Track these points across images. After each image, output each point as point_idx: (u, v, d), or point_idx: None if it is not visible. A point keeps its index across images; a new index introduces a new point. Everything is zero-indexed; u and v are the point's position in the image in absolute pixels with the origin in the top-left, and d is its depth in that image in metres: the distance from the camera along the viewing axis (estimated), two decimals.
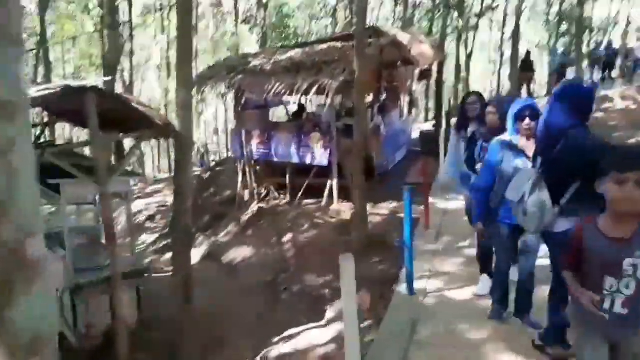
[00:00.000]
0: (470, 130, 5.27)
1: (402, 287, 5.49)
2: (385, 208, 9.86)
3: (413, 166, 12.68)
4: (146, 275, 8.35)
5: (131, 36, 25.34)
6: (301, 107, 14.10)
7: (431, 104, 28.60)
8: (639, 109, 13.95)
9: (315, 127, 11.64)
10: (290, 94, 9.68)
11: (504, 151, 4.02)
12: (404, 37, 11.74)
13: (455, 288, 5.34)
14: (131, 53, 25.01)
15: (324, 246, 8.52)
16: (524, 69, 17.59)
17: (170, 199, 15.28)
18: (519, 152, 3.95)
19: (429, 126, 17.56)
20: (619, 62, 19.38)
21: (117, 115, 7.40)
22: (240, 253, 9.77)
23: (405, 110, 14.35)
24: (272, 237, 9.67)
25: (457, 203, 7.77)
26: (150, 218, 16.29)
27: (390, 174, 12.15)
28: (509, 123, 4.03)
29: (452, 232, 7.24)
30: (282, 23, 25.38)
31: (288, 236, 9.40)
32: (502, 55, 30.66)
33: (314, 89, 9.50)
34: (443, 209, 8.54)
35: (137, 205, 16.93)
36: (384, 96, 12.55)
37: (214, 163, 16.44)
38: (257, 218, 10.50)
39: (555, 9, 31.54)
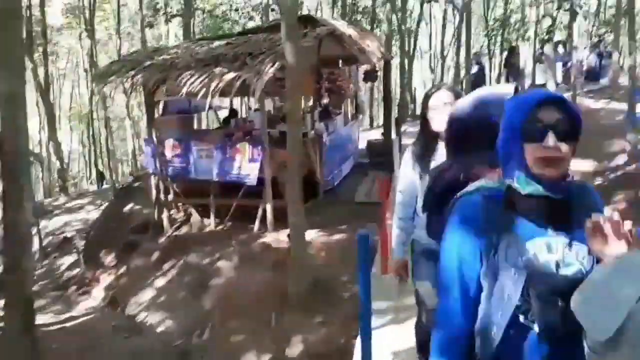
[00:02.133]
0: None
1: None
2: (333, 235, 7.97)
3: (363, 182, 10.91)
4: None
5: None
6: (233, 112, 12.05)
7: (375, 110, 27.28)
8: None
9: (245, 135, 9.65)
10: (206, 95, 7.62)
11: None
12: (345, 29, 9.94)
13: None
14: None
15: (254, 294, 6.52)
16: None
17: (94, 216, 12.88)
18: None
19: (376, 134, 15.91)
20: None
21: None
22: (146, 299, 7.62)
23: (350, 116, 12.58)
24: (189, 278, 7.58)
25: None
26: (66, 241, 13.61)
27: (337, 192, 10.29)
28: None
29: None
30: (215, 25, 23.19)
31: (209, 277, 7.34)
32: (443, 60, 29.60)
33: (236, 87, 7.51)
34: None
35: (54, 224, 14.34)
36: (325, 99, 10.68)
37: (131, 178, 14.02)
38: (172, 250, 8.37)
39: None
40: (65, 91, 31.38)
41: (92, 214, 13.57)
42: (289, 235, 7.33)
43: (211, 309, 6.75)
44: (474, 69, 15.26)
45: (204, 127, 13.89)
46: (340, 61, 11.33)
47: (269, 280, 6.79)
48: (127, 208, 10.80)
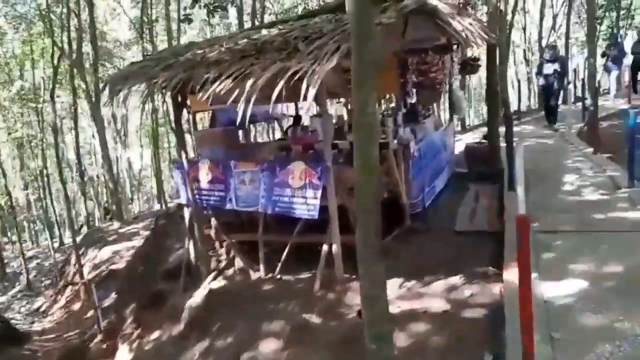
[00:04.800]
0: None
1: None
2: (425, 295, 5.41)
3: (464, 201, 8.27)
4: None
5: None
6: (296, 120, 9.78)
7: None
8: None
9: (306, 150, 7.34)
10: (237, 98, 5.30)
11: None
12: (439, 4, 7.33)
13: None
14: None
15: None
16: None
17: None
18: None
19: (473, 137, 13.09)
20: None
21: None
22: None
23: (445, 116, 9.89)
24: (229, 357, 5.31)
25: None
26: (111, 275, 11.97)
27: (428, 216, 7.74)
28: None
29: None
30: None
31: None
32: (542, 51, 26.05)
33: (281, 83, 5.13)
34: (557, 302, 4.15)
35: (104, 254, 12.84)
36: (412, 97, 8.08)
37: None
38: (208, 309, 6.16)
39: None
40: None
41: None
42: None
43: None
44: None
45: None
46: (434, 47, 8.73)
47: None
48: (167, 242, 8.80)
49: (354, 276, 5.72)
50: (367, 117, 4.17)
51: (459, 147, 11.02)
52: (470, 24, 7.28)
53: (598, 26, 23.67)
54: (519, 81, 23.50)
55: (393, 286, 5.65)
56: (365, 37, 4.03)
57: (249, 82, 5.30)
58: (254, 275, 6.64)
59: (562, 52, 16.50)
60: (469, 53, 9.93)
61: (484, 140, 10.32)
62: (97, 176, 23.35)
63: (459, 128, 17.59)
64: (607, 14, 23.38)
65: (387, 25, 5.84)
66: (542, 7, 25.74)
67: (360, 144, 4.17)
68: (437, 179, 8.84)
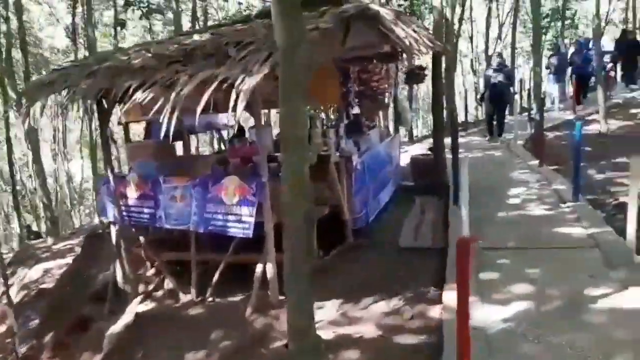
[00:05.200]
0: None
1: None
2: (365, 317, 5.08)
3: (409, 215, 8.05)
4: None
5: None
6: (239, 132, 9.35)
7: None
8: None
9: (246, 163, 6.94)
10: (160, 109, 4.88)
11: None
12: (382, 10, 7.07)
13: None
14: None
15: None
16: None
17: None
18: None
19: (421, 148, 12.98)
20: None
21: None
22: None
23: (389, 127, 9.68)
24: None
25: None
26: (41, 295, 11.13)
27: (372, 232, 7.47)
28: None
29: None
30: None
31: None
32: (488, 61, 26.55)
33: (209, 91, 4.73)
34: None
35: (34, 274, 11.97)
36: (354, 107, 7.80)
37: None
38: (131, 337, 5.65)
39: None
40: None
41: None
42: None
43: None
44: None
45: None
46: (377, 55, 8.48)
47: None
48: (98, 261, 8.21)
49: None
50: (296, 130, 3.84)
51: (406, 159, 10.84)
52: (415, 31, 7.06)
53: (544, 36, 24.37)
54: (466, 91, 23.76)
55: (330, 308, 5.33)
56: (293, 42, 3.72)
57: (175, 91, 4.89)
58: (185, 298, 6.17)
59: (508, 62, 16.68)
60: (417, 62, 9.78)
61: (430, 152, 10.16)
62: (35, 189, 22.24)
63: (406, 139, 17.55)
64: (552, 24, 23.97)
65: (326, 30, 5.54)
66: (488, 16, 26.16)
67: (288, 158, 3.84)
68: (381, 192, 8.59)
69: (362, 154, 7.57)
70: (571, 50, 16.84)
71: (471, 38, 29.46)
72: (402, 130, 12.44)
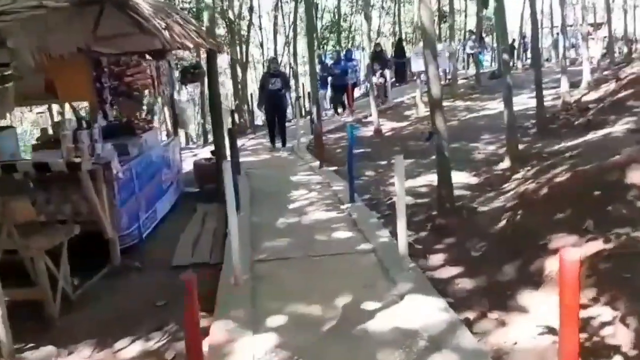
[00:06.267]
0: None
1: None
2: (121, 356, 4.19)
3: (189, 226, 7.32)
4: None
5: None
6: None
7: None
8: None
9: None
10: None
11: None
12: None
13: None
14: None
15: None
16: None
17: None
18: None
19: (206, 152, 12.26)
20: None
21: None
22: None
23: (167, 130, 8.78)
24: None
25: None
26: None
27: (146, 250, 6.55)
28: None
29: None
30: None
31: None
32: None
33: None
34: None
35: None
36: (113, 106, 6.76)
37: None
38: None
39: None
40: None
41: None
42: None
43: None
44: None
45: None
46: (144, 52, 7.56)
47: None
48: None
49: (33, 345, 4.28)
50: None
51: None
52: (180, 25, 6.34)
53: (324, 46, 26.01)
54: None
55: (82, 351, 4.32)
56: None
57: None
58: None
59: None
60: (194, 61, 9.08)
61: (213, 156, 9.52)
62: None
63: (201, 142, 16.78)
64: (331, 35, 25.80)
65: (66, 14, 4.55)
66: (274, 25, 27.18)
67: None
68: (158, 202, 7.70)
69: (127, 160, 6.59)
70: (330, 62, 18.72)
71: (262, 44, 30.41)
72: (183, 133, 11.56)
